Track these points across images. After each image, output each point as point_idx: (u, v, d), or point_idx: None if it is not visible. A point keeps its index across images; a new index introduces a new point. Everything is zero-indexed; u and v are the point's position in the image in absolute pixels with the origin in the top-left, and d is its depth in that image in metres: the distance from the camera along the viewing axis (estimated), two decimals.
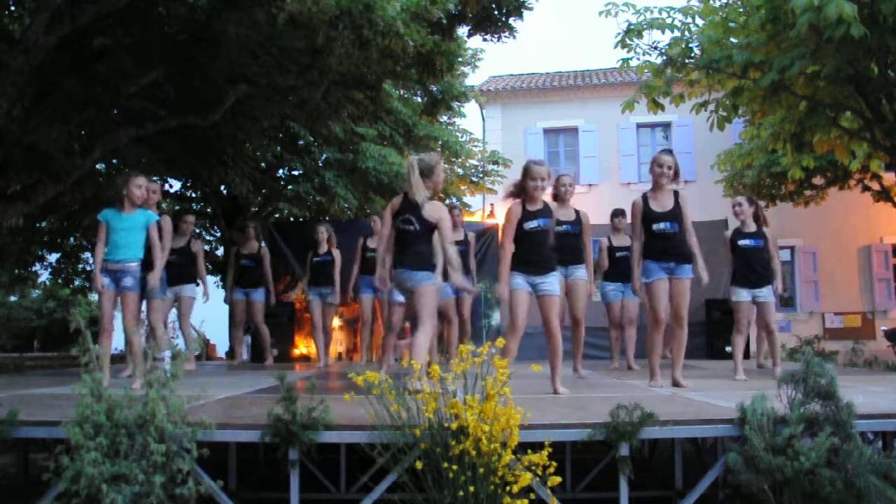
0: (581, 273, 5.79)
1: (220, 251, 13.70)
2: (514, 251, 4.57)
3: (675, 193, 4.97)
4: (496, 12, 7.53)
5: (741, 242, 5.81)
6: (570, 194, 5.82)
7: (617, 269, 6.94)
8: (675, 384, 4.81)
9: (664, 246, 4.84)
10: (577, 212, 5.86)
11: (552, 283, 4.57)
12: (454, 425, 2.86)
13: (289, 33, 6.55)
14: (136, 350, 4.80)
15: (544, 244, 4.61)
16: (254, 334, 8.62)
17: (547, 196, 4.90)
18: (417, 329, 4.44)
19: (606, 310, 7.08)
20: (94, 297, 14.25)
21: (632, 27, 7.71)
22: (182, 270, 6.82)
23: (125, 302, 4.78)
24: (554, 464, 2.87)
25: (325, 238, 7.75)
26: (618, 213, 7.13)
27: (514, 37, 7.92)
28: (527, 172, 4.56)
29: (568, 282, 5.74)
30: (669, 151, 5.07)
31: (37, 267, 13.72)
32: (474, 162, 15.71)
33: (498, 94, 18.23)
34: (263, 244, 8.15)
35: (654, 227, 4.87)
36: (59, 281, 14.29)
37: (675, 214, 4.86)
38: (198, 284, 7.12)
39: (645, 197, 4.98)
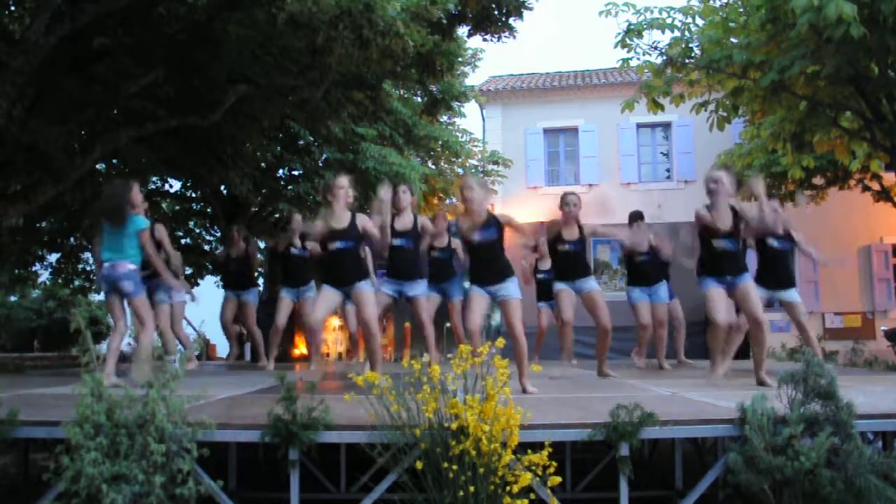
0: (591, 284, 5.79)
1: (220, 251, 13.68)
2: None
3: (733, 209, 4.94)
4: (496, 12, 7.52)
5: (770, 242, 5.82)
6: (574, 214, 5.77)
7: (639, 273, 6.92)
8: (761, 383, 4.82)
9: (723, 263, 4.88)
10: (580, 228, 5.82)
11: (509, 288, 4.65)
12: (454, 425, 2.86)
13: (289, 33, 6.54)
14: (144, 347, 4.79)
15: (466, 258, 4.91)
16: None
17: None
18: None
19: (633, 312, 7.03)
20: (94, 297, 14.25)
21: (632, 27, 7.71)
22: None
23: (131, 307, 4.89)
24: (554, 464, 2.87)
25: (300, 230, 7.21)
26: (636, 217, 7.08)
27: (514, 37, 7.90)
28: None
29: (582, 296, 5.78)
30: (726, 166, 5.14)
31: (37, 267, 13.70)
32: (474, 162, 15.68)
33: (498, 94, 18.21)
34: (249, 243, 7.96)
35: (715, 244, 4.88)
36: (59, 281, 14.27)
37: (733, 233, 4.88)
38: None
39: (709, 209, 4.96)
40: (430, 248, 6.76)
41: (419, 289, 5.79)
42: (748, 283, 4.88)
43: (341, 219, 4.90)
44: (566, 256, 5.77)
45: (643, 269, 6.88)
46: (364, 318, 4.83)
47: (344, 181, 4.97)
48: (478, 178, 4.96)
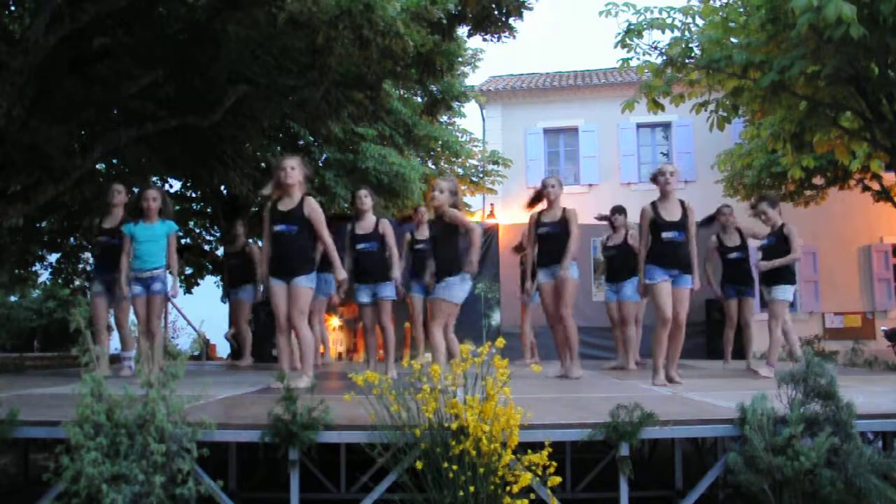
0: (572, 271, 5.75)
1: (221, 251, 13.69)
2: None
3: (682, 202, 5.15)
4: (496, 12, 7.52)
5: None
6: (556, 195, 5.80)
7: (609, 268, 7.00)
8: (670, 380, 5.00)
9: (670, 254, 5.00)
10: (563, 210, 5.82)
11: (443, 287, 4.76)
12: (454, 425, 2.86)
13: (289, 33, 6.55)
14: (158, 345, 5.31)
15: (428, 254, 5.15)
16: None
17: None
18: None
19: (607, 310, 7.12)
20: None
21: (632, 27, 7.70)
22: None
23: (153, 304, 5.40)
24: (554, 464, 2.87)
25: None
26: (615, 211, 7.13)
27: (514, 37, 7.91)
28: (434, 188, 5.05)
29: (555, 281, 5.77)
30: (668, 162, 5.31)
31: (37, 267, 13.71)
32: (474, 162, 15.69)
33: (498, 94, 18.22)
34: (250, 241, 8.02)
35: (663, 235, 5.03)
36: (59, 281, 14.27)
37: (683, 224, 5.05)
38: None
39: (654, 204, 5.13)
40: (413, 242, 6.79)
41: (387, 290, 5.79)
42: (687, 290, 5.09)
43: (289, 202, 4.74)
44: (543, 239, 5.77)
45: (610, 264, 6.95)
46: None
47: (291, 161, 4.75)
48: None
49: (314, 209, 4.71)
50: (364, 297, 5.80)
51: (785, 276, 5.79)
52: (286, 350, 4.78)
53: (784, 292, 5.79)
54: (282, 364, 4.76)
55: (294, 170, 4.67)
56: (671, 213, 5.07)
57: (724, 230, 6.77)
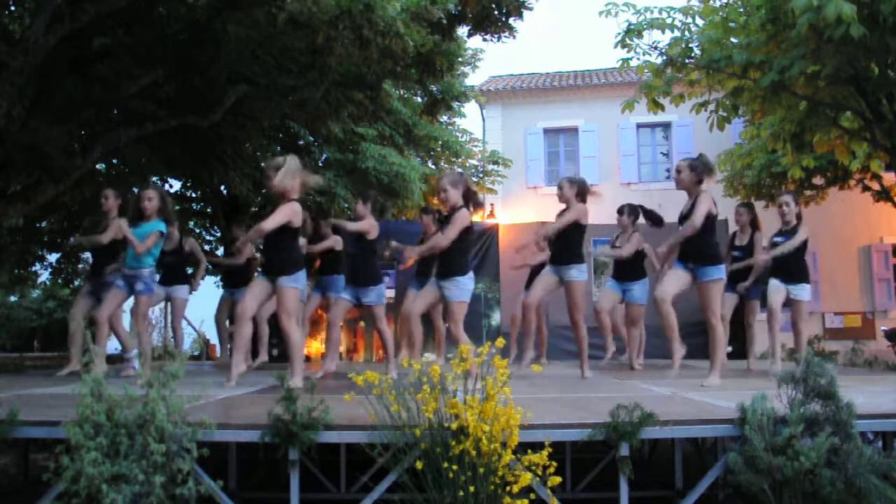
0: (573, 273, 5.69)
1: (221, 251, 13.68)
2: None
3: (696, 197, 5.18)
4: (496, 12, 7.52)
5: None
6: (564, 197, 5.84)
7: (615, 266, 7.00)
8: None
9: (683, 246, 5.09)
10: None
11: (449, 287, 5.01)
12: (454, 425, 2.86)
13: (289, 33, 6.55)
14: (145, 347, 5.54)
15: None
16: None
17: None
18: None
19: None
20: None
21: (632, 27, 7.70)
22: (174, 271, 6.82)
23: (137, 304, 5.56)
24: (554, 464, 2.87)
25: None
26: (621, 211, 7.15)
27: (514, 37, 7.91)
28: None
29: (563, 283, 5.76)
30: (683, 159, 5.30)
31: (37, 267, 13.71)
32: (474, 162, 15.70)
33: (498, 94, 18.22)
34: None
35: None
36: (59, 281, 14.27)
37: (689, 217, 5.06)
38: (190, 284, 7.11)
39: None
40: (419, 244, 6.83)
41: (370, 296, 5.77)
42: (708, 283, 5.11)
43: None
44: (555, 239, 5.83)
45: (619, 262, 6.98)
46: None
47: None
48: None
49: (279, 209, 4.64)
50: (344, 294, 5.85)
51: (805, 275, 6.01)
52: (243, 340, 4.78)
53: (808, 292, 6.04)
54: (236, 353, 4.82)
55: (269, 180, 4.74)
56: (686, 206, 5.17)
57: (741, 229, 6.81)
